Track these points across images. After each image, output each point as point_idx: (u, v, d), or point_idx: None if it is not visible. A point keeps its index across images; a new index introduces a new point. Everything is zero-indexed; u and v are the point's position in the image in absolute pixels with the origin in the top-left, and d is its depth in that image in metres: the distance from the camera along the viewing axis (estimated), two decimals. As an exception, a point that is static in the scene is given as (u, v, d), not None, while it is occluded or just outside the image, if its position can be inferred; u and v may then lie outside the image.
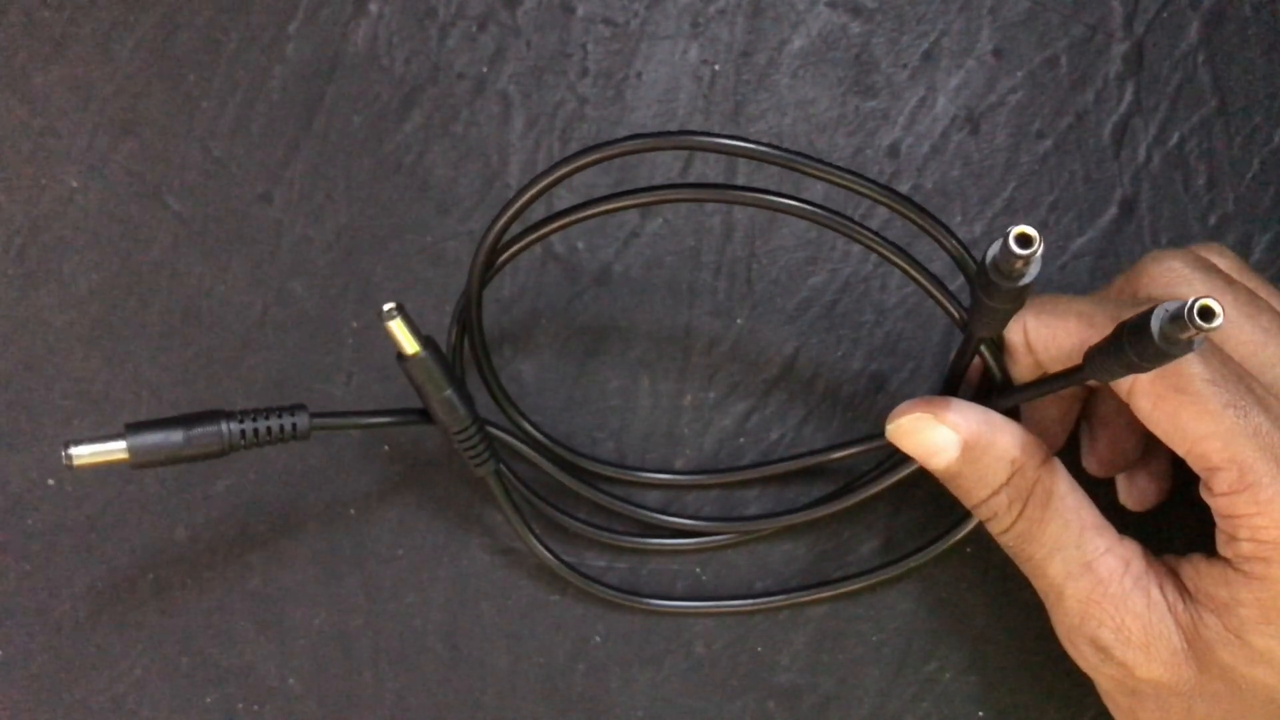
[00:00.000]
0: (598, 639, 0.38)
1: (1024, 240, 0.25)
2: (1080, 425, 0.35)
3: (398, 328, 0.31)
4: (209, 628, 0.38)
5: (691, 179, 0.37)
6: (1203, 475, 0.29)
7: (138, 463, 0.30)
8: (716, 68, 0.37)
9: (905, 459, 0.34)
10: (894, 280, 0.37)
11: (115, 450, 0.30)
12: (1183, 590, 0.30)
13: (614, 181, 0.37)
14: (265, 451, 0.37)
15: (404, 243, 0.37)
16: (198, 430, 0.30)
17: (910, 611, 0.37)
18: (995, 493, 0.31)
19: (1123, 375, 0.27)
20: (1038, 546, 0.31)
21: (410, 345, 0.31)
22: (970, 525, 0.35)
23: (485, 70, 0.37)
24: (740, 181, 0.37)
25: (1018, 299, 0.27)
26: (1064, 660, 0.32)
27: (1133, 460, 0.35)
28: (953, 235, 0.30)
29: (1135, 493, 0.35)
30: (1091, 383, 0.32)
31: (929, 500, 0.37)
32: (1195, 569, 0.30)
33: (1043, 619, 0.33)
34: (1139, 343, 0.26)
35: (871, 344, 0.37)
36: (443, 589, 0.38)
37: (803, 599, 0.37)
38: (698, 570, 0.38)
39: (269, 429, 0.31)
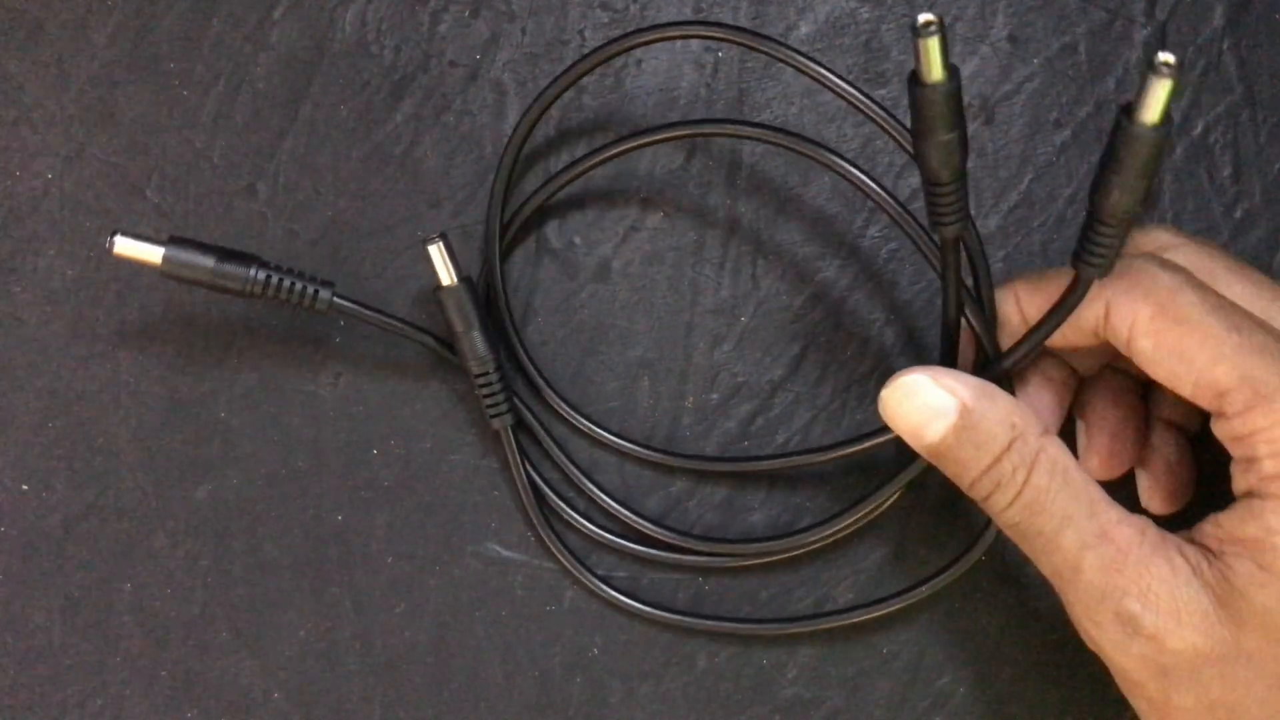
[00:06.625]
0: (595, 651, 0.37)
1: (926, 26, 0.26)
2: (1076, 428, 0.34)
3: (438, 253, 0.33)
4: (190, 639, 0.37)
5: (694, 168, 0.36)
6: (1214, 406, 0.28)
7: (166, 271, 0.33)
8: (720, 55, 0.36)
9: (909, 465, 0.34)
10: (905, 277, 0.36)
11: (152, 253, 0.33)
12: (1204, 551, 0.29)
13: (612, 174, 0.36)
14: (251, 450, 0.37)
15: (394, 237, 0.37)
16: (227, 264, 0.33)
17: (922, 622, 0.37)
18: (998, 460, 0.29)
19: (1115, 229, 0.27)
20: (1047, 518, 0.29)
21: (447, 276, 0.34)
22: (984, 544, 0.34)
23: (479, 58, 0.37)
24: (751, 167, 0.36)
25: (946, 107, 0.27)
26: (1082, 672, 0.31)
27: (1132, 457, 0.34)
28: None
29: (1160, 492, 0.34)
30: (1073, 344, 0.32)
31: (939, 506, 0.36)
32: (1215, 525, 0.29)
33: (1060, 630, 0.31)
34: (1115, 137, 0.26)
35: (882, 343, 0.36)
36: (434, 598, 0.37)
37: (807, 629, 0.36)
38: (700, 580, 0.37)
39: (291, 286, 0.33)
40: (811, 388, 0.37)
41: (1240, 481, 0.29)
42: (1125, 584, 0.29)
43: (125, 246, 0.32)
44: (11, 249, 0.37)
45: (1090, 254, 0.28)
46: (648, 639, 0.37)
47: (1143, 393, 0.34)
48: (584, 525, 0.36)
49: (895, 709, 0.37)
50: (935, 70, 0.26)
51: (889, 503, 0.35)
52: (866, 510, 0.35)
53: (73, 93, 0.37)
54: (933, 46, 0.26)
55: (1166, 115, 0.26)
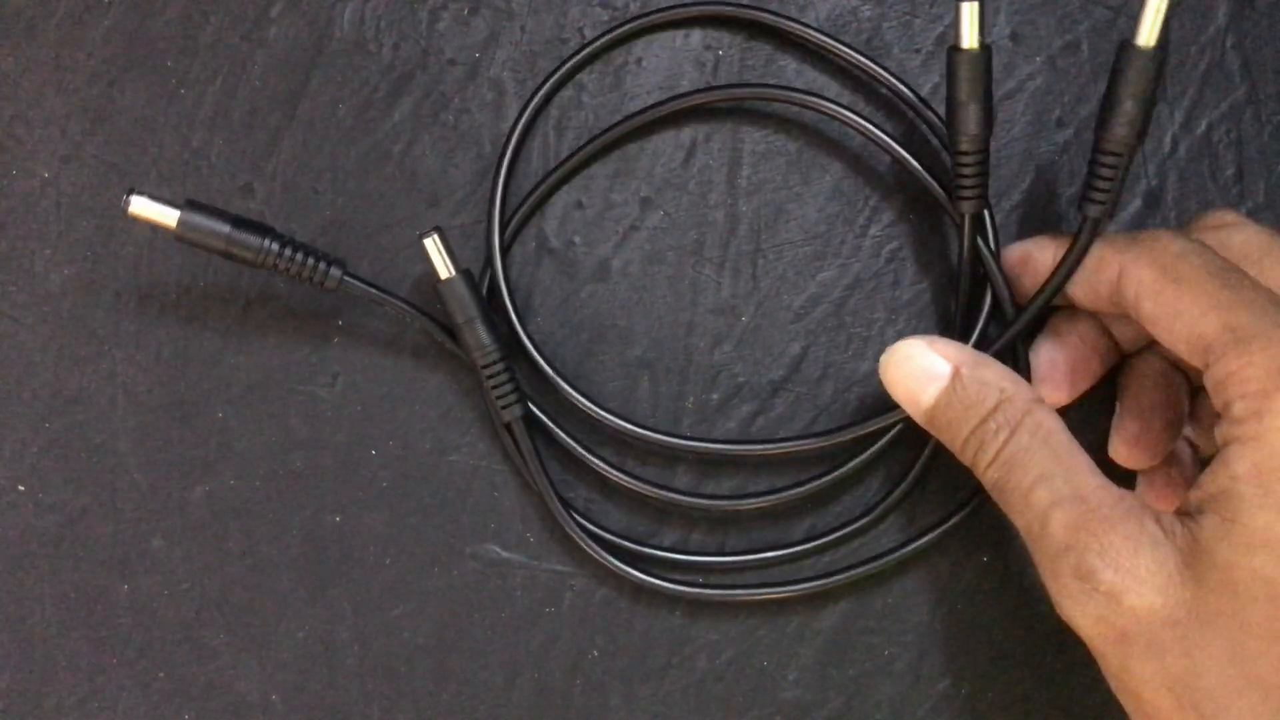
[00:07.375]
0: (595, 653, 0.36)
1: None
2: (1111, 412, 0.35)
3: (434, 246, 0.33)
4: (187, 641, 0.36)
5: (694, 168, 0.36)
6: (1202, 361, 0.29)
7: (180, 235, 0.33)
8: (720, 53, 0.36)
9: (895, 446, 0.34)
10: (906, 276, 0.36)
11: (168, 215, 0.32)
12: (1182, 516, 0.28)
13: (612, 172, 0.36)
14: (249, 445, 0.36)
15: (393, 236, 0.36)
16: (242, 233, 0.33)
17: (924, 624, 0.36)
18: (984, 421, 0.30)
19: (1117, 159, 0.31)
20: (1022, 474, 0.30)
21: (445, 269, 0.34)
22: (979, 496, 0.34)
23: (478, 56, 0.36)
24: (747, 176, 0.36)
25: (973, 74, 0.31)
26: (1085, 675, 0.31)
27: (1162, 449, 0.34)
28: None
29: (1153, 495, 0.34)
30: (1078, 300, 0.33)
31: (941, 506, 0.36)
32: (1195, 486, 0.28)
33: (1065, 631, 0.31)
34: (1116, 67, 0.30)
35: (883, 343, 0.36)
36: (433, 600, 0.36)
37: (818, 587, 0.36)
38: (700, 580, 0.36)
39: (303, 261, 0.33)
40: (812, 388, 0.36)
41: (1219, 435, 0.28)
42: (1087, 540, 0.28)
43: (141, 207, 0.32)
44: (8, 248, 0.36)
45: (1095, 190, 0.31)
46: (648, 641, 0.36)
47: (1188, 388, 0.34)
48: (600, 529, 0.36)
49: (898, 711, 0.36)
50: (969, 36, 0.31)
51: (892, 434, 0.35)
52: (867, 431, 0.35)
53: (69, 91, 0.36)
54: (971, 11, 0.30)
55: (1162, 38, 0.29)
